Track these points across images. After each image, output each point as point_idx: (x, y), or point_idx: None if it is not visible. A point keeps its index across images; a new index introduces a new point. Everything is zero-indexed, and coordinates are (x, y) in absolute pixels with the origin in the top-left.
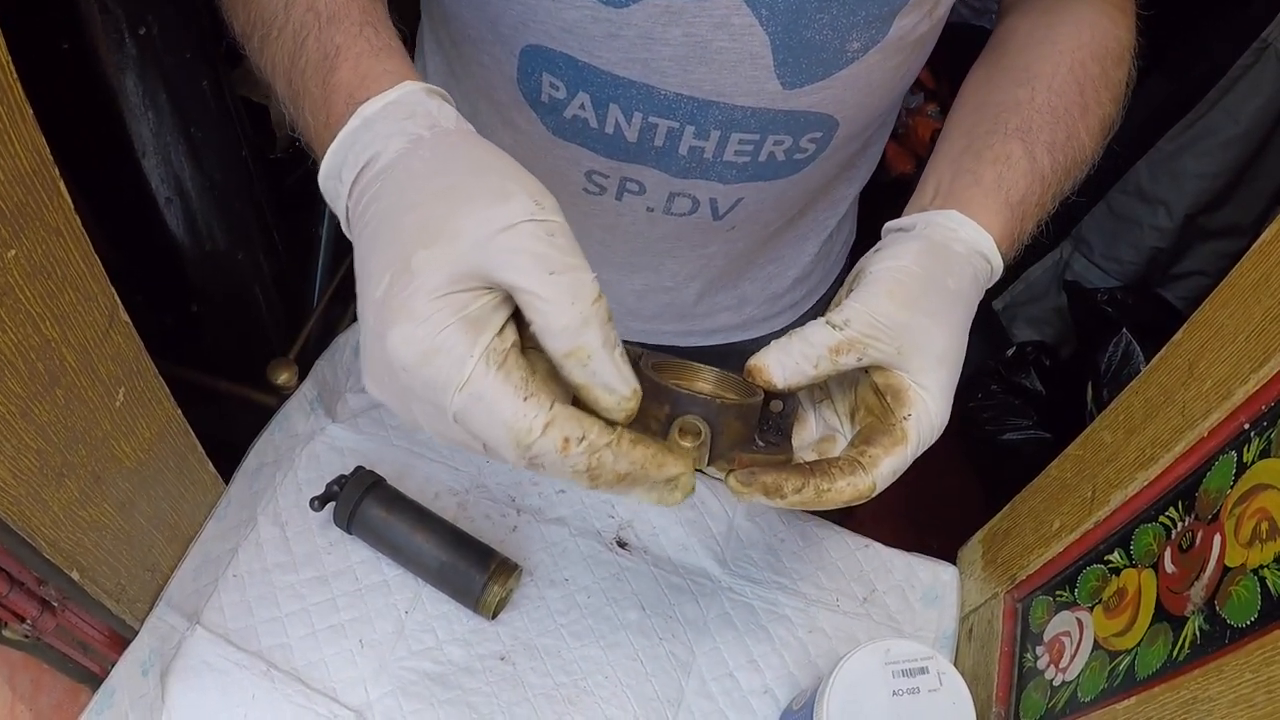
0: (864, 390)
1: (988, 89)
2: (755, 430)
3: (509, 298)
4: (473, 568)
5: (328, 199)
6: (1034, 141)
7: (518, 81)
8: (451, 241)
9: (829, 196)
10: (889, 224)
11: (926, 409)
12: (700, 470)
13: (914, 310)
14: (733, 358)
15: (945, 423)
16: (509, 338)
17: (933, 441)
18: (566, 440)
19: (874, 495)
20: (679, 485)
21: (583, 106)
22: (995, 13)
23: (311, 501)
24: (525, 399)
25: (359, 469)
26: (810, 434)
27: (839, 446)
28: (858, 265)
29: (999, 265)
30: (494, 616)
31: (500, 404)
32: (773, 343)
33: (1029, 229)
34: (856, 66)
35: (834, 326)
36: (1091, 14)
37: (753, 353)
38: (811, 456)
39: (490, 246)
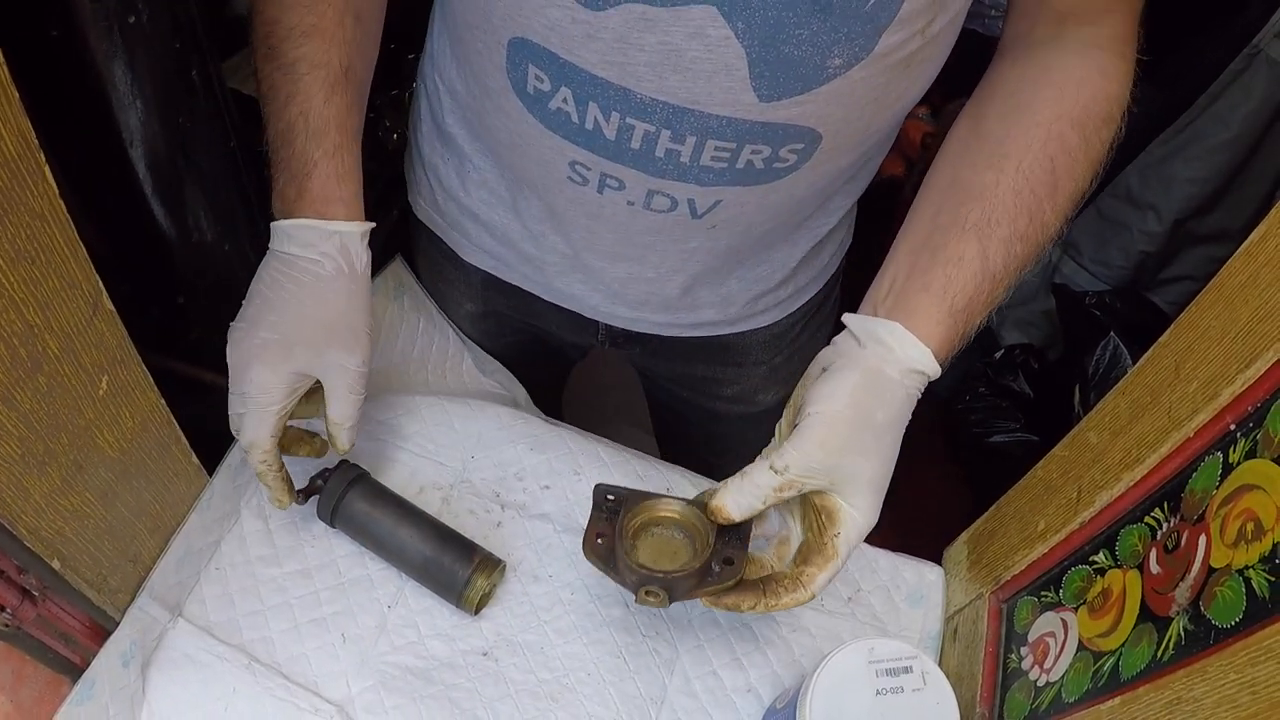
0: (807, 506)
1: (961, 165)
2: (713, 559)
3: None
4: (456, 563)
5: (271, 230)
6: (990, 237)
7: (506, 71)
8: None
9: (825, 206)
10: (846, 316)
11: (855, 523)
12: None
13: (843, 453)
14: (716, 350)
15: (875, 522)
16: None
17: (864, 538)
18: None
19: (813, 596)
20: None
21: (565, 101)
22: (986, 16)
23: (295, 494)
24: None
25: (343, 462)
26: (772, 527)
27: (791, 545)
28: (801, 391)
29: (937, 371)
30: (477, 612)
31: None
32: (728, 484)
33: (976, 323)
34: (839, 82)
35: (775, 471)
36: (1083, 70)
37: (738, 347)
38: (771, 552)
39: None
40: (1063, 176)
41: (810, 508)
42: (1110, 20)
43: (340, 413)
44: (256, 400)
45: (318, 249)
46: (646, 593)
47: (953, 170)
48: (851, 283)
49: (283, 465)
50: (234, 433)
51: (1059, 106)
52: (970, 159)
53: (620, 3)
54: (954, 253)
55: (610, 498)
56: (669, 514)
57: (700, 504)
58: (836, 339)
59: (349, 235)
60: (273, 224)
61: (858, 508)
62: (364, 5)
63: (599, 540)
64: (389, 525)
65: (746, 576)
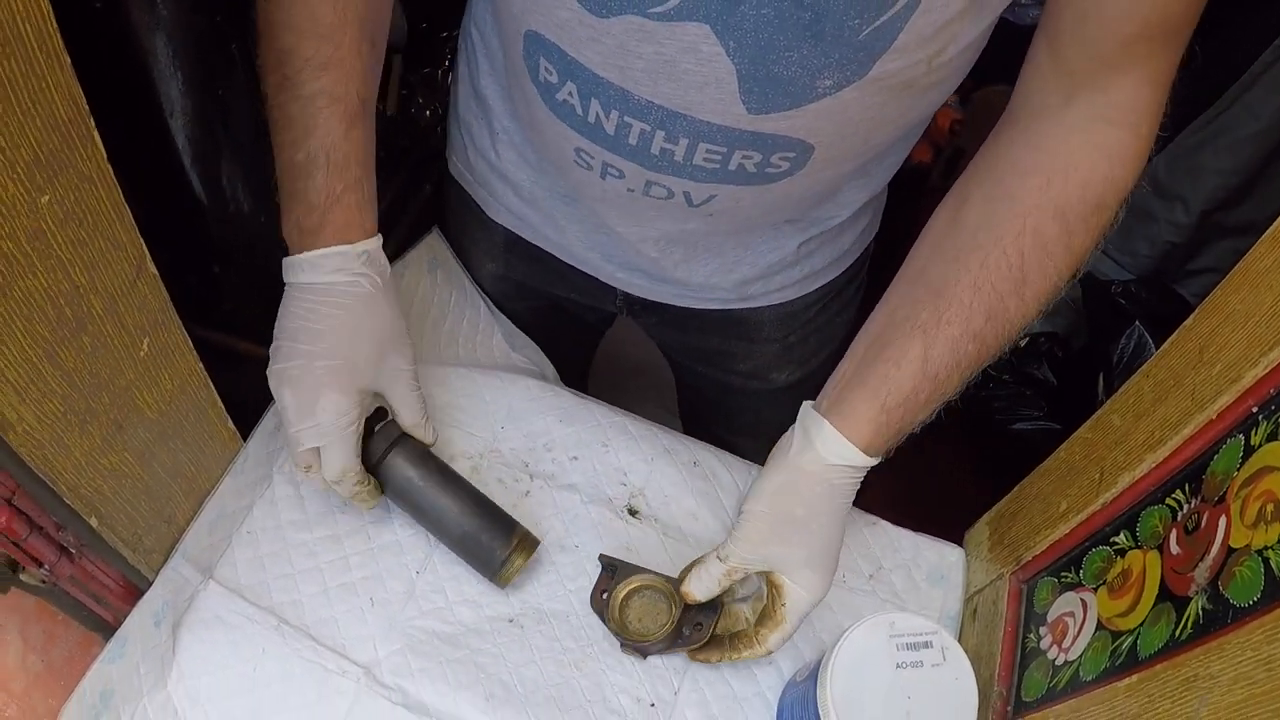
0: (765, 578)
1: (931, 256)
2: (682, 624)
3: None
4: (495, 540)
5: (286, 265)
6: (936, 337)
7: (523, 58)
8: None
9: (834, 199)
10: (804, 404)
11: (798, 595)
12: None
13: (767, 546)
14: (729, 324)
15: (821, 593)
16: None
17: (816, 606)
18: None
19: (770, 653)
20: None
21: (571, 94)
22: (1017, 4)
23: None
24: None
25: (388, 421)
26: (752, 586)
27: (764, 602)
28: (752, 483)
29: (866, 461)
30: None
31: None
32: (693, 573)
33: (920, 417)
34: (829, 101)
35: (721, 560)
36: (1082, 151)
37: (750, 322)
38: (749, 608)
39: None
40: (1032, 272)
41: (767, 580)
42: (1124, 86)
43: (412, 414)
44: (335, 425)
45: (351, 271)
46: (625, 648)
47: (923, 261)
48: (877, 268)
49: (369, 477)
50: (305, 470)
51: (1043, 196)
52: (940, 250)
53: (622, 13)
54: (896, 353)
55: (609, 566)
56: (654, 584)
57: (677, 582)
58: (793, 427)
59: (374, 251)
60: (292, 258)
61: (799, 584)
62: (377, 31)
63: (603, 595)
64: (431, 494)
65: (724, 628)
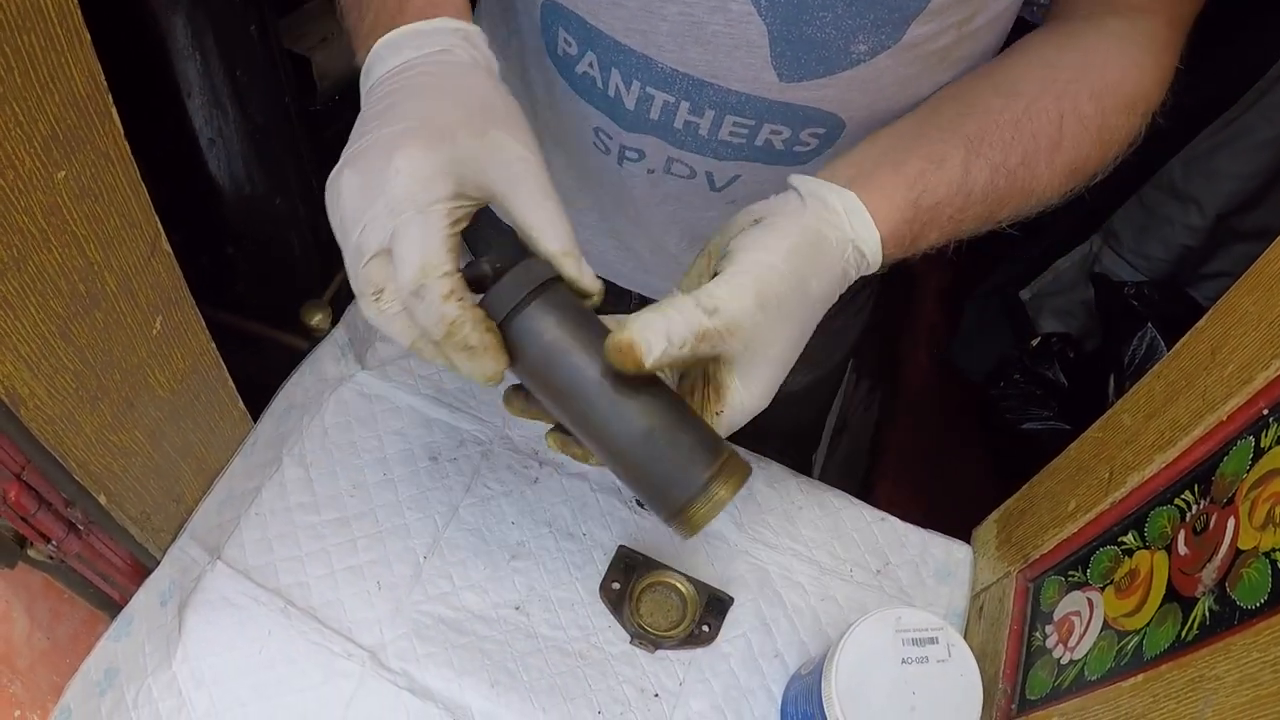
0: (695, 376)
1: (969, 88)
2: (695, 625)
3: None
4: (695, 453)
5: (365, 61)
6: (978, 154)
7: (540, 32)
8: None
9: None
10: (792, 177)
11: (740, 405)
12: None
13: (771, 315)
14: None
15: (760, 408)
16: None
17: (741, 424)
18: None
19: None
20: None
21: (591, 65)
22: (1035, 4)
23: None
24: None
25: (530, 257)
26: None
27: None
28: (723, 238)
29: (876, 261)
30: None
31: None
32: (639, 314)
33: (933, 238)
34: (864, 69)
35: (704, 311)
36: (1112, 53)
37: None
38: None
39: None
40: (1068, 138)
41: (699, 379)
42: (1147, 20)
43: (554, 232)
44: (408, 193)
45: (441, 43)
46: (635, 641)
47: (958, 90)
48: (888, 272)
49: (474, 304)
50: (374, 299)
51: (1081, 72)
52: (979, 83)
53: None
54: (936, 152)
55: (628, 559)
56: (671, 582)
57: (698, 584)
58: (775, 195)
59: (473, 33)
60: (364, 65)
61: (749, 390)
62: None
63: (613, 586)
64: (592, 366)
65: None
